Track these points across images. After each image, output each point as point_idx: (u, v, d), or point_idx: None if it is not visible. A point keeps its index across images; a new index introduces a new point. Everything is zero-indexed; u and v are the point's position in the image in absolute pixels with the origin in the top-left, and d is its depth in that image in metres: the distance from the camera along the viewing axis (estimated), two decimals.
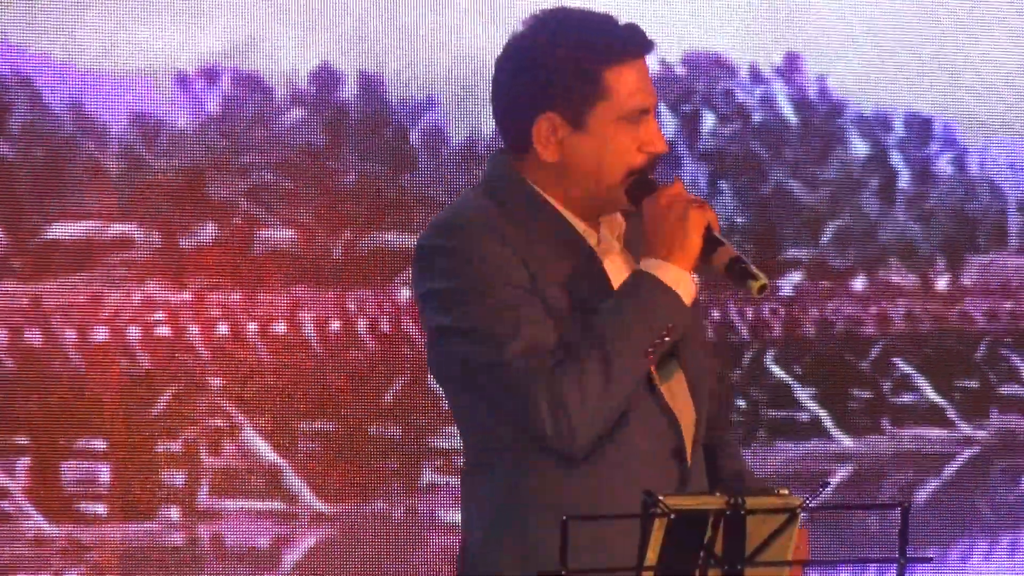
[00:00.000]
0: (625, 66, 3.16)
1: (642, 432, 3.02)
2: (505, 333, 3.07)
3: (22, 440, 4.79)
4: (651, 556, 2.70)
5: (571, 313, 2.98)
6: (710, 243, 2.93)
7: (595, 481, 3.04)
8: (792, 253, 5.11)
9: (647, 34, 2.94)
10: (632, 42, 3.18)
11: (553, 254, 3.15)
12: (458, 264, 3.18)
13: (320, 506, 4.91)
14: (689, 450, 2.98)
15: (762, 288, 2.80)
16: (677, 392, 3.02)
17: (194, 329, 4.86)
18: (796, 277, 5.21)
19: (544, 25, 3.25)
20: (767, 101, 5.28)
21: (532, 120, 3.14)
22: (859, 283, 5.22)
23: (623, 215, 3.07)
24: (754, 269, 2.96)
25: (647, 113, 3.05)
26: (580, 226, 3.12)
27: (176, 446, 4.87)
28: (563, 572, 2.40)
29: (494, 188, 3.33)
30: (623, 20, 3.38)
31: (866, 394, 5.56)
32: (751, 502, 2.79)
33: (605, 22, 3.20)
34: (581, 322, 2.92)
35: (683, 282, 2.96)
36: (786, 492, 3.11)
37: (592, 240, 3.07)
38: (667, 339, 2.89)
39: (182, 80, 4.94)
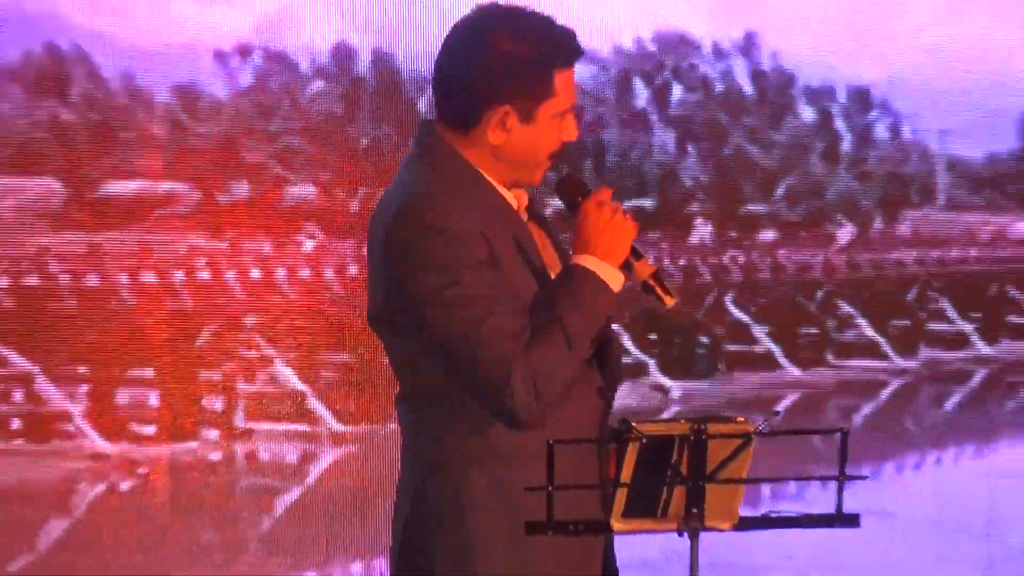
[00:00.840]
0: (569, 70, 3.38)
1: (580, 398, 3.31)
2: (486, 320, 3.45)
3: (82, 370, 4.90)
4: (625, 475, 2.65)
5: (522, 275, 3.03)
6: (633, 253, 3.05)
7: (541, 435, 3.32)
8: (749, 208, 5.35)
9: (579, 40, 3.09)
10: (577, 49, 3.45)
11: (496, 224, 3.30)
12: (436, 251, 3.43)
13: (339, 427, 5.14)
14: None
15: (671, 305, 3.01)
16: (604, 364, 3.39)
17: (230, 274, 5.02)
18: (753, 229, 5.43)
19: (502, 20, 3.24)
20: (727, 74, 5.38)
21: (487, 108, 3.34)
22: (807, 234, 5.46)
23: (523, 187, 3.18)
24: (667, 290, 3.03)
25: (572, 106, 3.21)
26: (510, 199, 3.36)
27: (215, 375, 5.01)
28: (550, 488, 2.49)
29: (436, 164, 3.43)
30: (580, 10, 3.72)
31: (813, 331, 5.69)
32: (712, 428, 2.67)
33: (554, 26, 3.10)
34: (541, 308, 3.03)
35: (618, 282, 3.06)
36: (742, 420, 2.91)
37: (519, 209, 3.18)
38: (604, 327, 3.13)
39: (219, 55, 5.04)
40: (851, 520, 2.85)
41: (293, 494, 5.19)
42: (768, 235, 5.35)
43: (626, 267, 3.01)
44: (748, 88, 5.30)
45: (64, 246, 4.96)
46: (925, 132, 5.49)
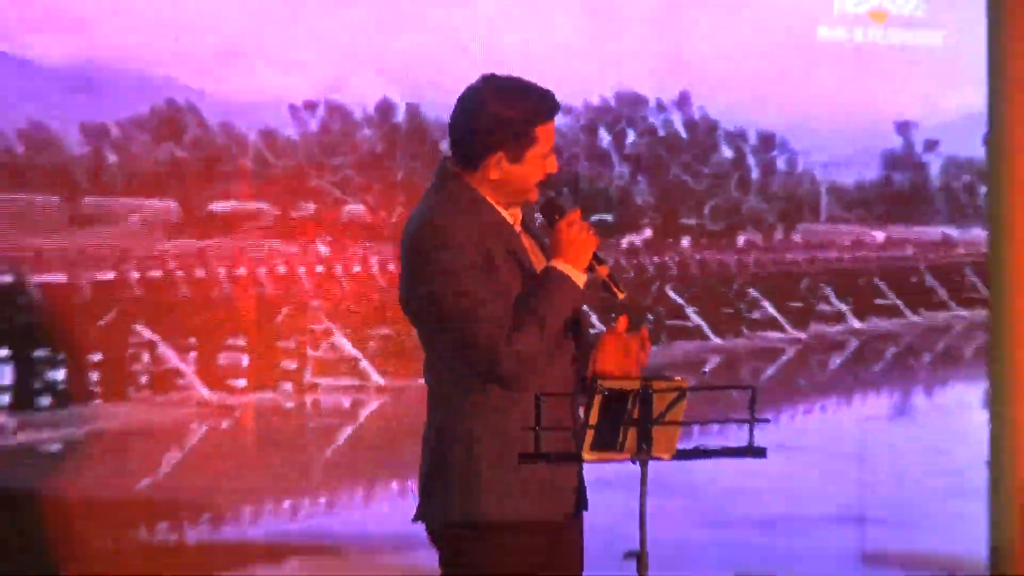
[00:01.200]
0: (549, 122, 3.67)
1: (559, 364, 3.62)
2: (478, 310, 3.74)
3: (192, 339, 5.14)
4: (592, 420, 2.76)
5: (513, 272, 3.72)
6: (595, 258, 3.69)
7: (529, 396, 3.57)
8: (684, 221, 5.51)
9: (559, 101, 3.53)
10: (553, 108, 3.62)
11: (498, 239, 3.70)
12: (445, 259, 3.69)
13: (381, 382, 5.25)
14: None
15: (622, 298, 3.42)
16: (578, 337, 3.59)
17: (300, 270, 5.26)
18: (686, 237, 5.55)
19: (497, 90, 3.65)
20: (668, 123, 5.47)
21: (486, 155, 3.54)
22: (726, 241, 5.58)
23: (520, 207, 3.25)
24: (619, 287, 3.61)
25: (552, 148, 3.70)
26: (507, 217, 3.83)
27: (290, 344, 5.25)
28: (537, 428, 2.64)
29: (450, 192, 3.61)
30: (567, 88, 3.81)
31: (730, 310, 5.72)
32: (656, 384, 2.73)
33: (537, 91, 3.49)
34: (523, 292, 3.69)
35: (582, 280, 3.57)
36: (679, 378, 2.92)
37: (515, 224, 3.46)
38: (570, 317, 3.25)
39: (293, 108, 5.30)
40: (759, 452, 3.12)
41: (346, 431, 5.35)
42: (698, 241, 5.51)
43: (589, 269, 3.16)
44: (683, 133, 5.43)
45: (179, 249, 5.13)
46: (812, 165, 5.61)
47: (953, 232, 5.61)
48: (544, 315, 3.25)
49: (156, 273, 5.12)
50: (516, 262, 3.27)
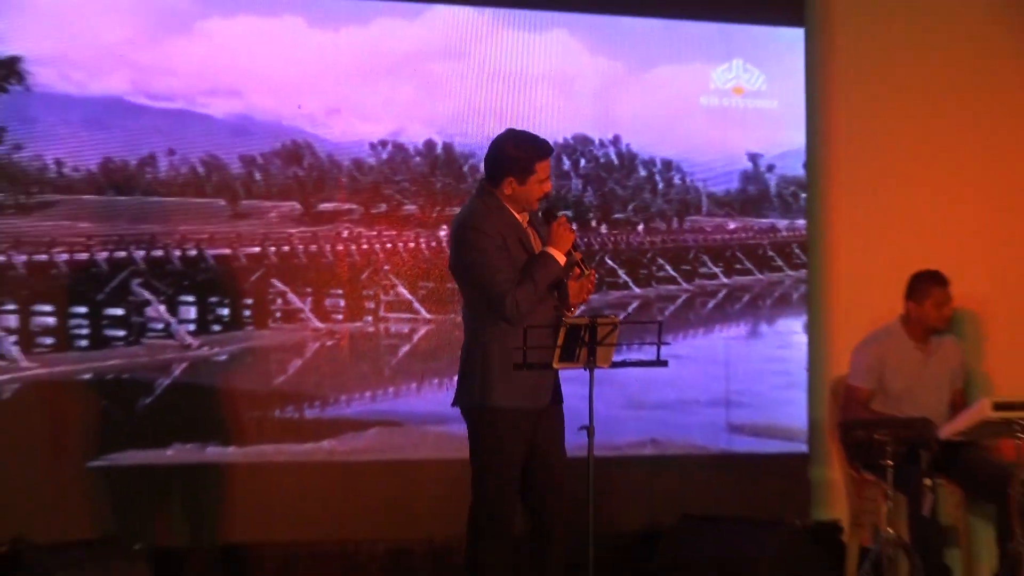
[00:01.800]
0: (544, 160, 3.68)
1: (544, 309, 3.67)
2: (496, 274, 3.65)
3: (308, 289, 5.25)
4: (559, 342, 3.43)
5: (519, 252, 3.67)
6: (574, 246, 3.65)
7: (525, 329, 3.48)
8: (616, 216, 5.44)
9: (552, 146, 3.74)
10: (547, 152, 3.71)
11: (511, 231, 3.70)
12: (477, 241, 3.68)
13: (429, 316, 5.35)
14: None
15: (589, 274, 3.68)
16: (559, 294, 3.68)
17: (377, 246, 5.34)
18: (619, 227, 5.48)
19: (513, 138, 3.72)
20: (606, 154, 5.51)
21: (503, 179, 3.65)
22: (643, 228, 5.47)
23: (527, 212, 3.68)
24: (584, 265, 3.72)
25: (548, 175, 3.69)
26: (518, 218, 3.69)
27: (370, 292, 5.29)
28: (525, 347, 3.34)
29: (484, 199, 3.73)
30: (543, 133, 3.80)
31: (645, 271, 5.56)
32: (599, 320, 3.52)
33: (537, 140, 3.72)
34: (525, 264, 3.63)
35: (563, 260, 3.63)
36: (613, 316, 4.07)
37: (523, 223, 3.70)
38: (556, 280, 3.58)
39: (372, 144, 5.35)
40: (663, 363, 3.69)
41: (405, 348, 5.40)
42: (625, 228, 5.43)
43: (568, 254, 3.68)
44: (615, 160, 5.38)
45: (300, 233, 5.26)
46: (696, 181, 5.51)
47: (783, 222, 5.62)
48: (536, 279, 3.63)
49: (285, 248, 5.19)
50: (522, 246, 3.70)
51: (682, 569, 4.87)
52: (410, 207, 5.37)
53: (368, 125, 5.36)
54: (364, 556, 5.04)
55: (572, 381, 3.90)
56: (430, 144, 5.42)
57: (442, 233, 5.21)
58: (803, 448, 5.67)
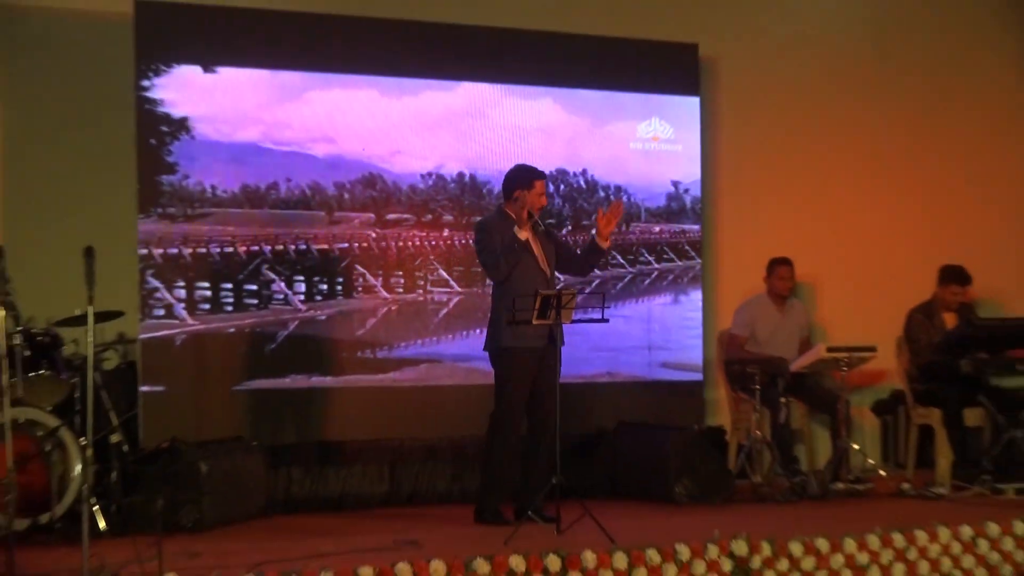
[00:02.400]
0: (540, 180, 4.03)
1: (527, 268, 3.83)
2: (488, 254, 3.98)
3: (379, 271, 5.31)
4: (536, 305, 3.68)
5: (518, 246, 3.89)
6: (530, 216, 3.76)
7: (512, 285, 3.76)
8: (584, 223, 5.59)
9: (545, 171, 4.08)
10: (541, 175, 4.07)
11: (506, 232, 3.95)
12: (486, 238, 4.01)
13: (461, 290, 5.43)
14: (549, 275, 4.02)
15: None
16: (539, 255, 3.88)
17: (425, 243, 5.42)
18: (585, 231, 5.51)
19: (520, 166, 4.12)
20: (577, 181, 5.65)
21: (513, 191, 4.00)
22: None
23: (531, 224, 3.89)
24: (539, 221, 3.86)
25: (543, 192, 4.00)
26: (516, 230, 3.93)
27: (420, 273, 5.36)
28: (514, 311, 3.73)
29: (497, 211, 4.07)
30: (536, 160, 4.20)
31: (603, 260, 4.86)
32: (563, 292, 3.76)
33: (533, 169, 4.08)
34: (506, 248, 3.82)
35: (521, 236, 3.75)
36: (573, 289, 4.24)
37: (520, 227, 3.87)
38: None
39: (422, 175, 5.45)
40: (605, 320, 3.92)
41: (444, 311, 5.43)
42: (589, 231, 5.23)
43: (530, 217, 3.81)
44: (583, 186, 5.65)
45: (375, 234, 5.32)
46: (637, 199, 5.46)
47: (695, 227, 5.61)
48: (499, 252, 3.81)
49: (364, 244, 5.27)
50: (518, 242, 3.97)
51: (618, 458, 5.04)
52: (448, 217, 5.44)
53: (419, 162, 5.46)
54: (407, 449, 5.10)
55: (567, 332, 4.09)
56: (461, 175, 5.52)
57: (468, 234, 5.24)
58: (700, 377, 5.70)
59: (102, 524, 3.74)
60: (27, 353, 3.83)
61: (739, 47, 5.76)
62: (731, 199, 5.84)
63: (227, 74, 4.86)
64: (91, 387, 3.32)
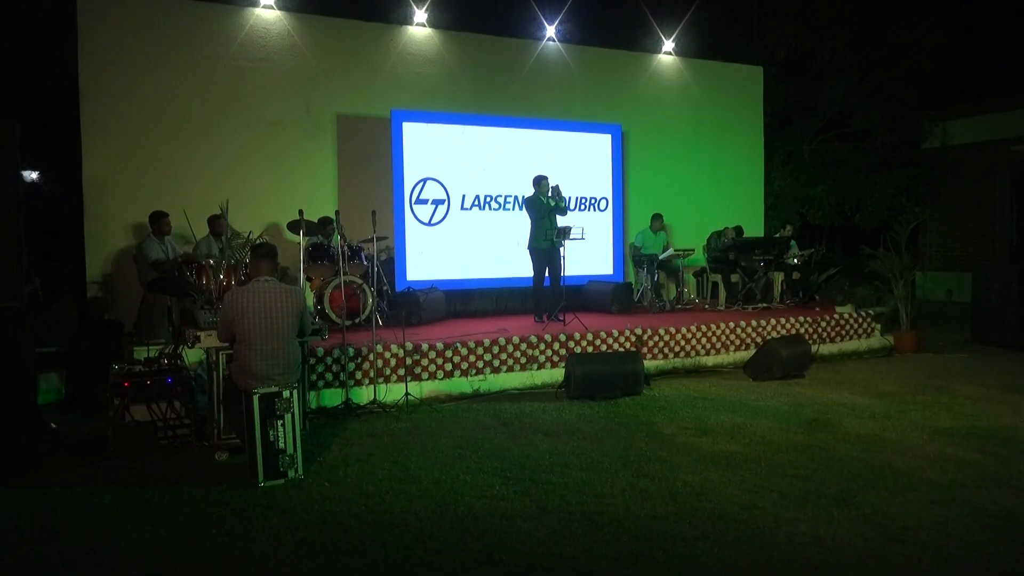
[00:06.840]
0: (545, 179, 5.34)
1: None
2: (530, 210, 5.21)
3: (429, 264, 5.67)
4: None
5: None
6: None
7: None
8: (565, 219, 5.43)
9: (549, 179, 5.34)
10: (544, 180, 5.33)
11: (539, 199, 5.25)
12: (528, 203, 5.27)
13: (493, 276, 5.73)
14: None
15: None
16: None
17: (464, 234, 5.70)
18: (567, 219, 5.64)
19: (537, 178, 5.41)
20: (555, 188, 5.53)
21: (539, 184, 5.26)
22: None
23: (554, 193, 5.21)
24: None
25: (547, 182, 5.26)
26: (544, 199, 5.17)
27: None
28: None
29: (534, 193, 5.19)
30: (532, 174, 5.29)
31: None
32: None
33: (541, 176, 5.39)
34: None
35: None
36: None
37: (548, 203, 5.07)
38: None
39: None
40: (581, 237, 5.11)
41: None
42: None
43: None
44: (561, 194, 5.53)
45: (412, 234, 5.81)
46: (590, 202, 6.03)
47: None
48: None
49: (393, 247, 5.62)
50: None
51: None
52: (501, 218, 6.38)
53: (474, 184, 6.38)
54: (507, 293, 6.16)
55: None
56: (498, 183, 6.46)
57: None
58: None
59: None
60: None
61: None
62: (635, 200, 7.12)
63: None
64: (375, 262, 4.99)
